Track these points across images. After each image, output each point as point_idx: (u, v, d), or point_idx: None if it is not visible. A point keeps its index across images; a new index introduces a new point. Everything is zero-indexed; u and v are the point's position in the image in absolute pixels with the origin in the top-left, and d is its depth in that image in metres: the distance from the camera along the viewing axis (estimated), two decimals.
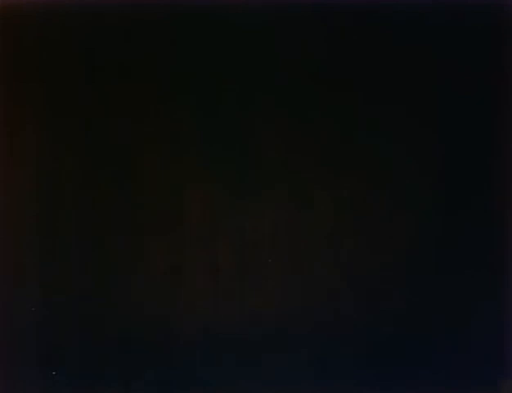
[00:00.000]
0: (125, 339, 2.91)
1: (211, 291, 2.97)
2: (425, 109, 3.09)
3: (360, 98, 3.06)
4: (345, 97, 3.05)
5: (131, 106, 2.94)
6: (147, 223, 2.93)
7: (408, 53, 3.07)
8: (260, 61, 3.01)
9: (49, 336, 2.88)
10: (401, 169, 3.07)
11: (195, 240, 2.97)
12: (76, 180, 2.91)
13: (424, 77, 3.08)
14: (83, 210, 2.90)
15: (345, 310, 3.03)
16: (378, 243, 3.05)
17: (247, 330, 2.97)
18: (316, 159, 3.04)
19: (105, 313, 2.91)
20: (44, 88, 2.89)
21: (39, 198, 2.88)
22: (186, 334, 2.95)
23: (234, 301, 2.98)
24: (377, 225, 3.05)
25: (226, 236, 2.98)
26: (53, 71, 2.90)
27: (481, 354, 3.03)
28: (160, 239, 2.94)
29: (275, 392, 2.96)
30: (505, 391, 3.00)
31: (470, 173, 3.09)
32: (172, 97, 2.97)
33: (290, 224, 3.02)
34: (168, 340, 2.94)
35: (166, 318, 2.94)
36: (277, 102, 3.02)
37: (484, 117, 3.09)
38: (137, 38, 2.95)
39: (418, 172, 3.08)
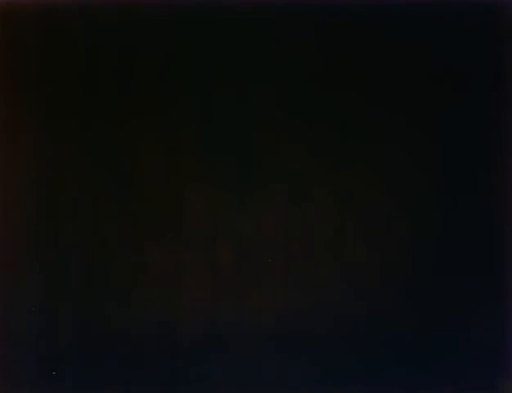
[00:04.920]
0: (125, 339, 2.91)
1: (211, 291, 2.97)
2: (425, 108, 3.09)
3: (359, 97, 3.06)
4: (344, 95, 3.06)
5: (131, 105, 2.94)
6: (147, 225, 2.93)
7: (408, 53, 3.07)
8: (260, 61, 3.01)
9: (49, 337, 2.88)
10: (399, 168, 3.08)
11: (195, 241, 2.97)
12: (78, 181, 2.91)
13: (423, 77, 3.08)
14: (83, 213, 2.90)
15: (345, 311, 3.03)
16: (379, 244, 3.05)
17: (247, 330, 2.97)
18: (316, 158, 3.05)
19: (105, 314, 2.91)
20: (44, 88, 2.89)
21: (39, 199, 2.88)
22: (187, 334, 2.95)
23: (234, 301, 2.98)
24: (378, 226, 3.05)
25: (227, 236, 2.99)
26: (53, 70, 2.90)
27: (481, 355, 3.04)
28: (161, 240, 2.94)
29: (275, 392, 2.96)
30: (505, 392, 3.00)
31: (470, 172, 3.10)
32: (171, 96, 2.97)
33: (290, 224, 3.03)
34: (168, 340, 2.94)
35: (166, 318, 2.94)
36: (277, 101, 3.02)
37: (484, 117, 3.10)
38: (138, 38, 2.95)
39: (417, 170, 3.08)
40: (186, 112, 2.98)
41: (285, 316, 3.00)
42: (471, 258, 3.08)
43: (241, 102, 3.00)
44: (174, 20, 2.96)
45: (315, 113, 3.04)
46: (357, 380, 3.00)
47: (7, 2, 2.76)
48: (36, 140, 2.88)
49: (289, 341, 3.00)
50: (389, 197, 3.08)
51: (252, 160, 3.01)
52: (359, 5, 3.00)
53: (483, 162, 3.10)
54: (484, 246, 3.08)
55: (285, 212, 3.03)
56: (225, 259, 2.99)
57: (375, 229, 3.06)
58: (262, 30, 2.99)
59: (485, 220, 3.09)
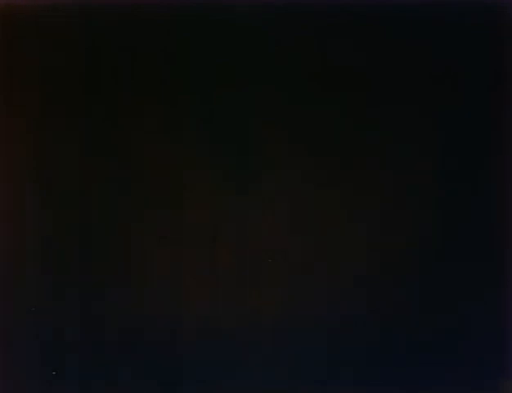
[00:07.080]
0: (125, 339, 2.91)
1: (211, 291, 2.97)
2: (425, 108, 3.09)
3: (359, 97, 3.06)
4: (344, 95, 3.06)
5: (131, 104, 2.94)
6: (146, 220, 2.94)
7: (408, 53, 3.07)
8: (260, 61, 3.01)
9: (49, 336, 2.88)
10: (399, 168, 3.07)
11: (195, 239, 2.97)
12: (77, 181, 2.91)
13: (423, 77, 3.08)
14: (82, 211, 2.90)
15: (347, 312, 3.03)
16: (379, 244, 3.05)
17: (247, 331, 2.97)
18: (317, 158, 3.05)
19: (105, 314, 2.91)
20: (44, 88, 2.90)
21: (40, 199, 2.89)
22: (187, 335, 2.95)
23: (234, 302, 2.98)
24: (378, 227, 3.05)
25: (227, 235, 2.99)
26: (53, 71, 2.90)
27: (481, 355, 3.03)
28: (159, 237, 2.94)
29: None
30: (505, 392, 2.99)
31: (469, 172, 3.09)
32: (171, 96, 2.97)
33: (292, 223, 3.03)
34: (168, 341, 2.94)
35: (165, 320, 2.94)
36: (277, 101, 3.02)
37: (484, 117, 3.09)
38: (138, 38, 2.95)
39: (417, 171, 3.08)
40: (186, 112, 2.98)
41: (285, 316, 3.00)
42: (471, 258, 3.08)
43: (241, 102, 3.00)
44: (174, 20, 2.96)
45: (315, 113, 3.04)
46: (357, 380, 3.00)
47: (6, 3, 2.77)
48: (36, 140, 2.88)
49: (289, 341, 3.00)
50: (389, 198, 3.08)
51: (252, 159, 3.01)
52: (359, 5, 3.00)
53: (483, 162, 3.10)
54: (484, 247, 3.08)
55: (285, 212, 3.03)
56: (224, 258, 2.99)
57: (376, 229, 3.06)
58: (262, 30, 2.99)
59: (485, 221, 3.08)
